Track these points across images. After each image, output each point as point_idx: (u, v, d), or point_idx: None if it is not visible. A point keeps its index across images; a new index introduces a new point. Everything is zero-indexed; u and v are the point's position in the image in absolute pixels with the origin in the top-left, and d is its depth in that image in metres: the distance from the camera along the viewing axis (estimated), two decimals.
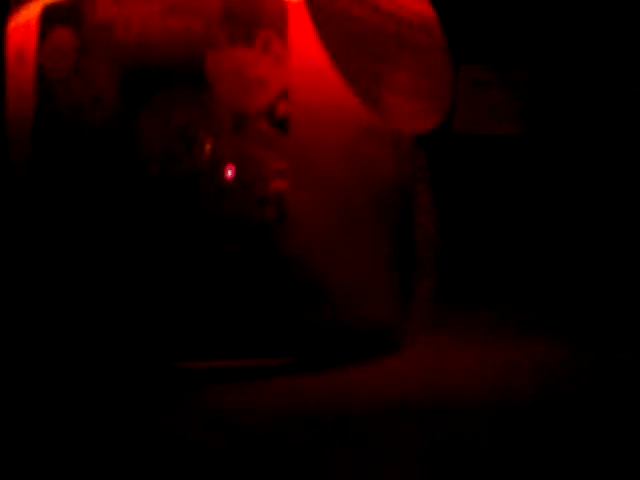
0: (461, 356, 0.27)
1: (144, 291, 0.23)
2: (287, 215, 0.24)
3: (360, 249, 0.26)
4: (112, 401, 0.21)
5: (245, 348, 0.24)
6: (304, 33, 0.24)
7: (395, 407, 0.21)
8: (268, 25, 0.24)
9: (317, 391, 0.22)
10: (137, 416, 0.20)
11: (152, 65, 0.23)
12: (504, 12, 0.49)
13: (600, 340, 0.30)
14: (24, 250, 0.25)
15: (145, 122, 0.23)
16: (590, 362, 0.26)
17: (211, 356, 0.24)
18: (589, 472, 0.16)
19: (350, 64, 0.24)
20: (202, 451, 0.17)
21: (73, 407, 0.21)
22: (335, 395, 0.22)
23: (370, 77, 0.25)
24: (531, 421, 0.19)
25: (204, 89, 0.23)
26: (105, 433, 0.18)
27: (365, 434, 0.18)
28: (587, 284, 0.46)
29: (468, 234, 0.49)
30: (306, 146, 0.24)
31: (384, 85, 0.25)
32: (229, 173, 0.23)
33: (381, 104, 0.25)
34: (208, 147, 0.23)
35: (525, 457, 0.17)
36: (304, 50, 0.24)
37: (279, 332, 0.24)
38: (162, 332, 0.23)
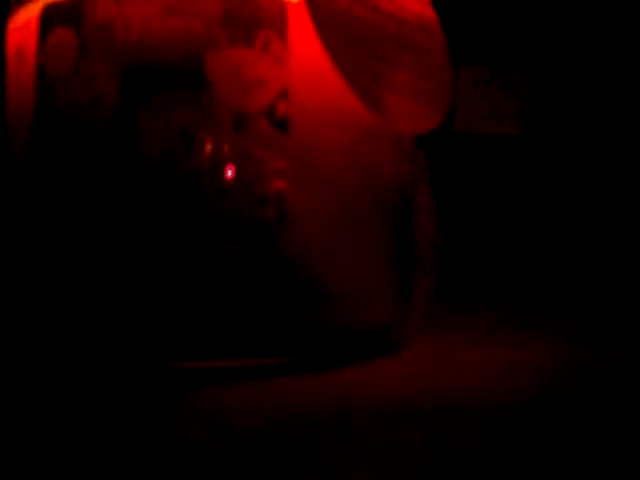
0: (461, 356, 0.27)
1: (144, 291, 0.23)
2: (287, 215, 0.24)
3: (360, 249, 0.26)
4: (112, 401, 0.21)
5: (245, 348, 0.24)
6: (304, 33, 0.24)
7: (395, 407, 0.21)
8: (268, 25, 0.24)
9: (317, 391, 0.22)
10: (137, 416, 0.20)
11: (152, 65, 0.23)
12: (504, 13, 0.49)
13: (600, 340, 0.30)
14: (23, 249, 0.25)
15: (145, 122, 0.23)
16: (590, 362, 0.26)
17: (211, 356, 0.24)
18: (589, 473, 0.16)
19: (350, 64, 0.24)
20: (202, 451, 0.17)
21: (73, 407, 0.21)
22: (334, 395, 0.22)
23: (370, 77, 0.25)
24: (531, 421, 0.19)
25: (204, 89, 0.23)
26: (105, 433, 0.18)
27: (365, 434, 0.18)
28: (587, 284, 0.46)
29: (468, 234, 0.49)
30: (306, 146, 0.24)
31: (384, 85, 0.25)
32: (229, 173, 0.23)
33: (381, 104, 0.25)
34: (208, 147, 0.23)
35: (525, 457, 0.17)
36: (304, 50, 0.24)
37: (279, 332, 0.24)
38: (162, 332, 0.23)
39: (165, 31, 0.23)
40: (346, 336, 0.25)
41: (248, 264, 0.23)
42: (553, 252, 0.49)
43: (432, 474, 0.16)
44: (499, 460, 0.17)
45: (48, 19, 0.24)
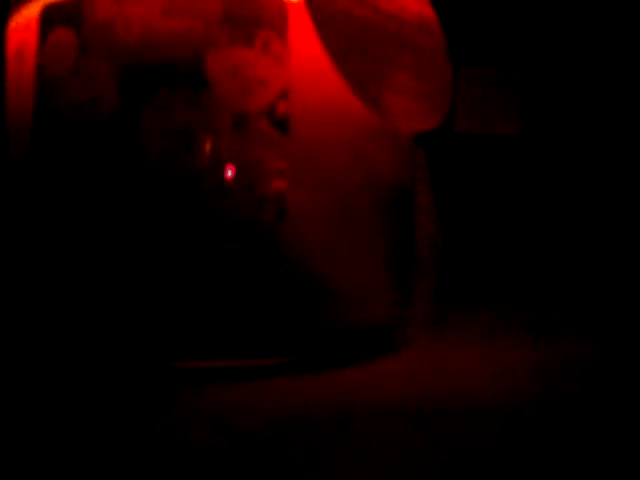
0: (461, 356, 0.27)
1: (143, 290, 0.23)
2: (287, 214, 0.24)
3: (360, 248, 0.26)
4: (112, 401, 0.21)
5: (245, 348, 0.24)
6: (304, 33, 0.24)
7: (395, 407, 0.21)
8: (268, 25, 0.24)
9: (317, 391, 0.22)
10: (137, 416, 0.20)
11: (152, 65, 0.23)
12: (504, 12, 0.49)
13: (601, 340, 0.30)
14: (23, 249, 0.25)
15: (145, 122, 0.23)
16: (591, 362, 0.26)
17: (211, 356, 0.24)
18: (589, 473, 0.16)
19: (350, 64, 0.24)
20: (202, 451, 0.17)
21: (73, 407, 0.21)
22: (335, 395, 0.22)
23: (370, 77, 0.25)
24: (531, 421, 0.19)
25: (204, 89, 0.23)
26: (105, 433, 0.18)
27: (365, 434, 0.18)
28: (587, 284, 0.45)
29: (468, 234, 0.49)
30: (306, 146, 0.24)
31: (384, 85, 0.25)
32: (229, 173, 0.23)
33: (381, 104, 0.25)
34: (208, 147, 0.23)
35: (525, 457, 0.17)
36: (304, 50, 0.24)
37: (278, 332, 0.24)
38: (161, 332, 0.23)
39: (165, 31, 0.23)
40: (346, 336, 0.25)
41: (248, 264, 0.23)
42: (553, 252, 0.49)
43: (432, 474, 0.16)
44: (499, 460, 0.17)
45: (48, 19, 0.24)
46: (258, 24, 0.24)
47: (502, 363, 0.26)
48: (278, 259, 0.24)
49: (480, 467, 0.16)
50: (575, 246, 0.49)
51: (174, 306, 0.23)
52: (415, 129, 0.27)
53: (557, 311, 0.38)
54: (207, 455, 0.17)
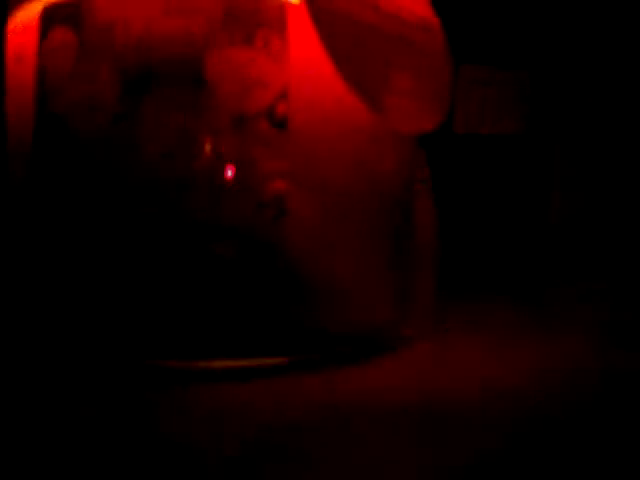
0: (461, 356, 0.27)
1: (142, 292, 0.23)
2: (286, 215, 0.24)
3: (360, 249, 0.26)
4: (110, 401, 0.21)
5: (244, 348, 0.24)
6: (304, 33, 0.24)
7: (395, 407, 0.21)
8: (268, 25, 0.24)
9: (316, 391, 0.22)
10: (135, 416, 0.20)
11: (152, 65, 0.23)
12: (504, 12, 0.49)
13: (601, 340, 0.30)
14: (21, 250, 0.25)
15: (145, 122, 0.23)
16: (592, 362, 0.26)
17: (210, 356, 0.24)
18: (590, 473, 0.16)
19: (350, 64, 0.24)
20: (201, 451, 0.17)
21: (71, 408, 0.21)
22: (334, 396, 0.22)
23: (370, 77, 0.25)
24: (531, 421, 0.19)
25: (204, 89, 0.23)
26: (101, 433, 0.18)
27: (365, 435, 0.18)
28: (587, 283, 0.45)
29: (468, 234, 0.49)
30: (306, 146, 0.24)
31: (384, 85, 0.25)
32: (229, 173, 0.23)
33: (381, 104, 0.25)
34: (208, 147, 0.23)
35: (525, 457, 0.17)
36: (304, 50, 0.24)
37: (278, 332, 0.24)
38: (161, 332, 0.23)
39: (165, 31, 0.23)
40: (345, 336, 0.25)
41: (247, 264, 0.23)
42: (553, 252, 0.49)
43: (432, 474, 0.16)
44: (499, 460, 0.17)
45: (48, 19, 0.24)
46: (258, 24, 0.24)
47: (502, 363, 0.26)
48: (277, 259, 0.24)
49: (480, 467, 0.16)
50: (575, 245, 0.49)
51: (173, 307, 0.23)
52: (415, 129, 0.27)
53: (558, 311, 0.38)
54: (206, 455, 0.17)
